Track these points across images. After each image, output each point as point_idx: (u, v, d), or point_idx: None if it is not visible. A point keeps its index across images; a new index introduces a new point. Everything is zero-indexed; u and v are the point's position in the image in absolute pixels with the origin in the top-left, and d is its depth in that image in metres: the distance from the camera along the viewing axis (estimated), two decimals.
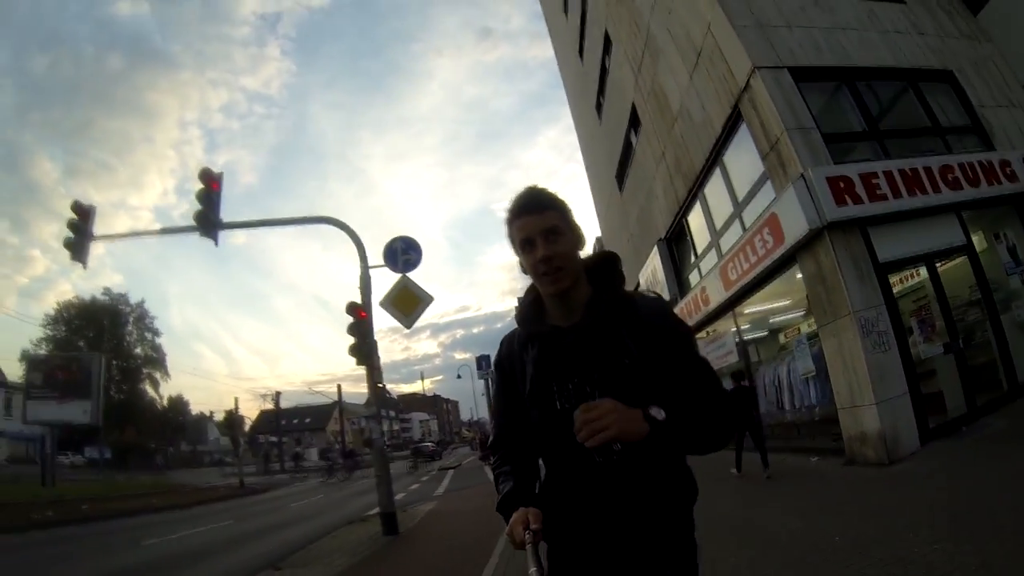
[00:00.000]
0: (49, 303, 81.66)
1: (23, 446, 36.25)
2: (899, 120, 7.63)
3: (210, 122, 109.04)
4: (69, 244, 8.08)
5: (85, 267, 8.67)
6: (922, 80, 7.75)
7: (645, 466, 1.11)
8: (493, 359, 1.47)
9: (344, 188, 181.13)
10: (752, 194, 7.83)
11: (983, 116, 7.65)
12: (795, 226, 6.34)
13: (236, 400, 53.77)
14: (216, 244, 8.40)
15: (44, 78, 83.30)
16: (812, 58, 7.33)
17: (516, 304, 1.35)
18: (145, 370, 45.28)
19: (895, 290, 6.45)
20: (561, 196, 1.22)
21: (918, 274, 6.78)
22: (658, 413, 1.05)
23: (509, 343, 1.34)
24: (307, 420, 63.28)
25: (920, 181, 6.47)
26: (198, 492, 19.65)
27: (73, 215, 8.14)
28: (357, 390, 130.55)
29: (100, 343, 42.84)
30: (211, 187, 8.18)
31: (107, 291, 45.72)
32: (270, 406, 46.82)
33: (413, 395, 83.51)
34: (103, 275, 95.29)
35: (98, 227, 8.31)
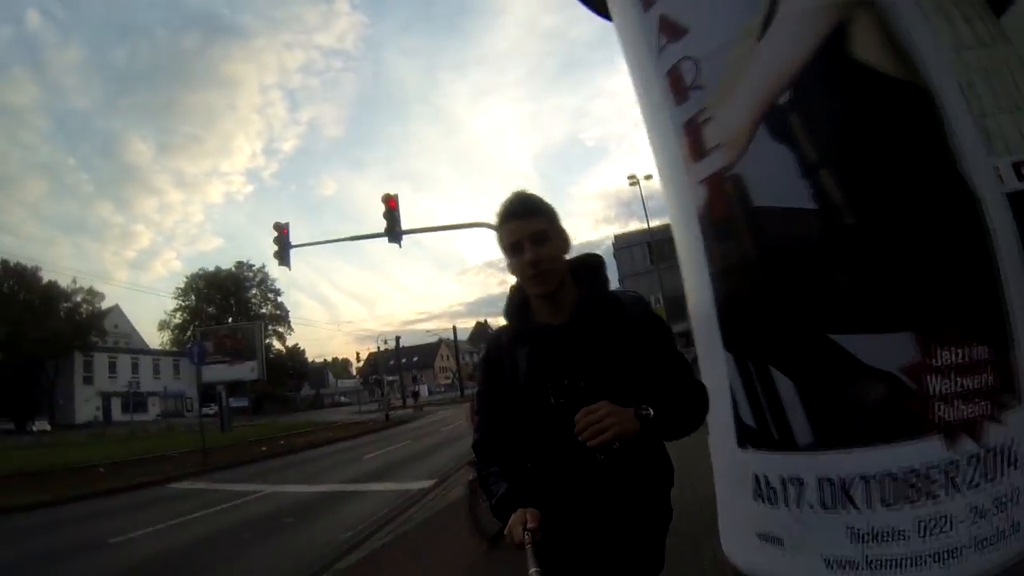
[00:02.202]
0: (157, 272, 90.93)
1: (172, 402, 45.08)
2: None
3: (289, 83, 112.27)
4: (276, 255, 11.89)
5: (290, 269, 12.46)
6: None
7: (635, 457, 1.24)
8: (479, 356, 1.49)
9: (429, 130, 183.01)
10: None
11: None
12: None
13: (369, 352, 57.79)
14: (400, 246, 12.05)
15: (126, 66, 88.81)
16: None
17: (506, 298, 1.28)
18: (271, 327, 51.84)
19: None
20: (548, 202, 1.34)
21: None
22: (647, 411, 1.17)
23: (497, 340, 1.41)
24: (415, 359, 68.64)
25: None
26: (357, 426, 23.70)
27: (275, 232, 11.87)
28: (461, 325, 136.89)
29: (228, 307, 49.88)
30: (390, 206, 11.58)
31: (240, 264, 52.68)
32: (374, 348, 51.83)
33: None
34: (203, 239, 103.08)
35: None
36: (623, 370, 1.26)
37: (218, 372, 27.10)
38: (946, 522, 1.74)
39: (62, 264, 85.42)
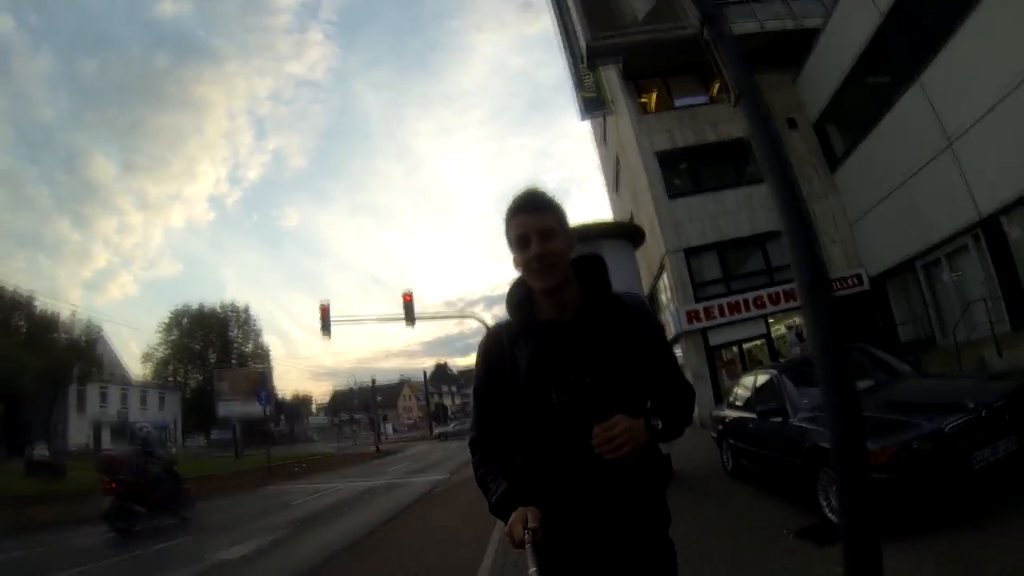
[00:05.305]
0: (112, 295, 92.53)
1: (157, 433, 48.92)
2: (749, 266, 15.34)
3: (258, 110, 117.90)
4: (321, 329, 18.09)
5: (330, 338, 20.05)
6: (769, 239, 15.01)
7: (639, 461, 1.31)
8: (478, 352, 1.50)
9: (392, 166, 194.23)
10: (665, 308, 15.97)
11: None
12: (674, 329, 14.49)
13: (334, 389, 64.55)
14: (413, 327, 18.58)
15: (95, 80, 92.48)
16: (699, 240, 15.08)
17: (507, 293, 1.49)
18: (252, 363, 55.94)
19: (725, 357, 14.83)
20: (557, 200, 1.41)
21: (733, 350, 14.84)
22: (657, 423, 1.31)
23: (497, 336, 1.46)
24: (379, 398, 74.01)
25: (739, 307, 14.45)
26: (356, 456, 29.57)
27: (319, 312, 17.97)
28: (412, 365, 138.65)
29: (211, 344, 54.68)
30: (406, 299, 18.12)
31: (224, 306, 58.17)
32: (329, 385, 57.93)
33: (471, 369, 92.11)
34: (162, 264, 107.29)
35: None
36: (626, 369, 1.34)
37: (232, 408, 32.59)
38: None
39: (14, 280, 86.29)
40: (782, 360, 12.54)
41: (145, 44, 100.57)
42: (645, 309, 1.47)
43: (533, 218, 1.36)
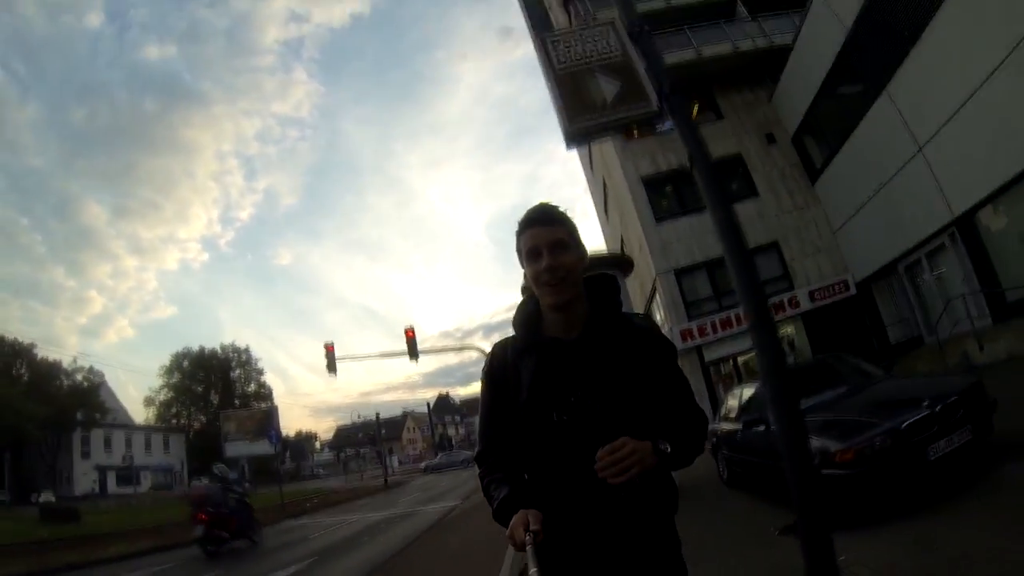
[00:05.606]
0: (109, 339, 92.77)
1: (161, 475, 49.31)
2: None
3: (247, 150, 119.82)
4: (327, 367, 18.49)
5: (336, 376, 20.40)
6: (757, 253, 15.26)
7: (645, 487, 1.27)
8: (483, 367, 1.51)
9: (382, 199, 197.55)
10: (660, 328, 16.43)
11: (791, 267, 13.87)
12: None
13: (336, 425, 65.41)
14: (416, 362, 19.17)
15: (84, 127, 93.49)
16: (687, 260, 15.35)
17: (516, 308, 1.48)
18: (255, 403, 56.58)
19: (722, 371, 15.35)
20: (569, 215, 1.42)
21: (728, 363, 15.17)
22: (665, 447, 1.25)
23: (502, 351, 1.46)
24: (383, 431, 74.32)
25: (731, 322, 14.79)
26: (364, 489, 29.99)
27: (324, 351, 18.46)
28: (413, 397, 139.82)
29: (213, 385, 55.00)
30: (408, 335, 18.55)
31: (224, 347, 58.93)
32: (331, 421, 58.62)
33: (473, 398, 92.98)
34: (157, 307, 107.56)
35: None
36: (631, 392, 1.31)
37: (240, 448, 32.82)
38: None
39: (10, 328, 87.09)
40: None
41: (132, 90, 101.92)
42: (655, 331, 1.46)
43: (545, 231, 1.37)
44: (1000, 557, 3.09)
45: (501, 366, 1.44)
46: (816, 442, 4.48)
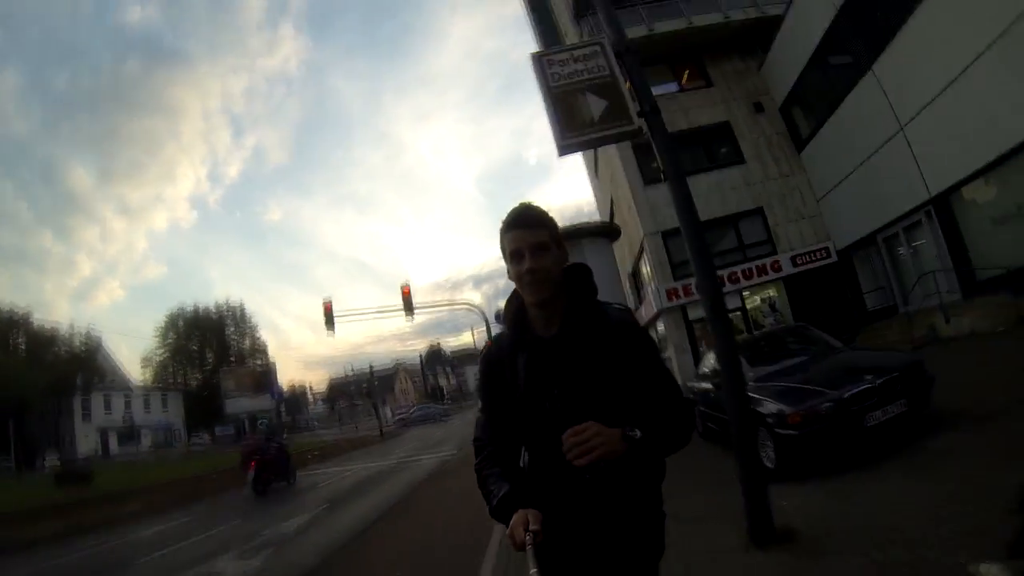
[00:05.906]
0: (100, 302, 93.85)
1: (161, 434, 50.66)
2: (723, 244, 16.32)
3: (234, 108, 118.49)
4: (326, 324, 19.28)
5: (335, 334, 21.06)
6: (742, 218, 16.34)
7: (621, 474, 1.34)
8: (481, 357, 1.60)
9: (372, 154, 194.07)
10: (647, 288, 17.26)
11: (775, 232, 14.79)
12: (656, 306, 15.81)
13: (329, 378, 66.40)
14: (412, 320, 20.52)
15: (66, 91, 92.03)
16: (674, 223, 14.70)
17: (504, 304, 1.60)
18: (250, 359, 57.22)
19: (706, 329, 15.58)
20: (551, 215, 1.49)
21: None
22: (634, 432, 1.29)
23: (498, 344, 1.56)
24: (376, 384, 75.88)
25: None
26: (361, 440, 31.38)
27: (323, 309, 19.37)
28: (404, 348, 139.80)
29: (208, 344, 55.70)
30: (404, 292, 19.46)
31: (219, 305, 58.89)
32: (323, 373, 59.85)
33: (463, 350, 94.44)
34: (147, 268, 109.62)
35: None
36: (607, 384, 1.37)
37: (241, 404, 33.63)
38: None
39: (2, 295, 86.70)
40: (755, 332, 13.91)
41: (114, 52, 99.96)
42: (631, 324, 1.48)
43: (527, 233, 1.43)
44: (903, 508, 3.81)
45: (498, 358, 1.54)
46: (773, 405, 5.30)
